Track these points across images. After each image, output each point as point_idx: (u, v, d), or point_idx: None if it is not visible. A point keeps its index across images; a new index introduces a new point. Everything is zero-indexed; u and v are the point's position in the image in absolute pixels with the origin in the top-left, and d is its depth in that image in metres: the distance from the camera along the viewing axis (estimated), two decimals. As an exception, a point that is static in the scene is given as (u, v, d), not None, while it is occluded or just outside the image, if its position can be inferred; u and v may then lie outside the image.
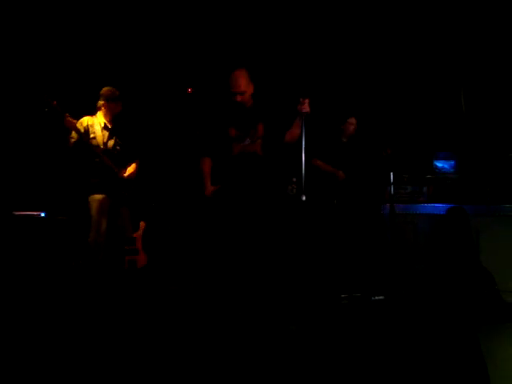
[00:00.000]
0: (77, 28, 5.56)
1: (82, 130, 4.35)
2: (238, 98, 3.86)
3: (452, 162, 5.34)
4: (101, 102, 4.50)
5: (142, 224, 5.03)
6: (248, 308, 3.89)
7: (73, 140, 4.31)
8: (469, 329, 3.45)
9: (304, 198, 4.21)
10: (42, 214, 4.96)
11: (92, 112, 4.52)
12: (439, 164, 5.34)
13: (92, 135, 4.40)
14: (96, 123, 4.46)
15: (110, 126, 4.52)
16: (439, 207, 4.77)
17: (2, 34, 5.34)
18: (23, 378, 2.72)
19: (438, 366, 2.83)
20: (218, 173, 4.05)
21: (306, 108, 3.75)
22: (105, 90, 4.50)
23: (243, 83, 3.84)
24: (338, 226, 5.00)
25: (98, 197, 4.42)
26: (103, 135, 4.46)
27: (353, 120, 5.39)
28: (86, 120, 4.45)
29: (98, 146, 4.40)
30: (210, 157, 4.05)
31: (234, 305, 3.96)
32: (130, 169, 4.60)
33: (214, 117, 4.09)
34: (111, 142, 4.51)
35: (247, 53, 5.75)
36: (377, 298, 4.38)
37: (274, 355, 3.07)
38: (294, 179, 5.07)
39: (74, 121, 4.29)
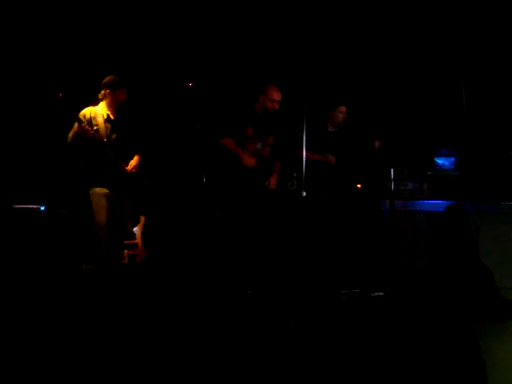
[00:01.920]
0: (80, 20, 5.52)
1: (85, 123, 4.24)
2: (276, 106, 4.55)
3: (452, 159, 5.33)
4: (104, 92, 4.36)
5: (142, 218, 5.03)
6: (248, 302, 3.90)
7: (74, 132, 4.22)
8: (467, 326, 3.45)
9: (304, 194, 4.31)
10: (42, 208, 4.95)
11: (93, 103, 4.41)
12: (440, 161, 5.33)
13: (95, 127, 4.27)
14: (99, 115, 4.35)
15: (112, 118, 4.41)
16: (439, 204, 4.77)
17: (5, 26, 5.31)
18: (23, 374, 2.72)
19: (436, 363, 2.83)
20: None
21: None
22: (108, 78, 4.37)
23: (280, 96, 4.57)
24: (330, 217, 4.92)
25: (100, 190, 4.36)
26: (106, 127, 4.36)
27: (343, 108, 5.06)
28: (88, 112, 4.34)
29: (101, 138, 4.30)
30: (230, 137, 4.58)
31: (233, 299, 3.98)
32: (133, 162, 4.51)
33: (236, 113, 4.64)
34: (114, 135, 4.39)
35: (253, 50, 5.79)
36: (376, 294, 4.39)
37: (274, 350, 3.07)
38: (295, 174, 5.04)
39: (88, 127, 4.20)
